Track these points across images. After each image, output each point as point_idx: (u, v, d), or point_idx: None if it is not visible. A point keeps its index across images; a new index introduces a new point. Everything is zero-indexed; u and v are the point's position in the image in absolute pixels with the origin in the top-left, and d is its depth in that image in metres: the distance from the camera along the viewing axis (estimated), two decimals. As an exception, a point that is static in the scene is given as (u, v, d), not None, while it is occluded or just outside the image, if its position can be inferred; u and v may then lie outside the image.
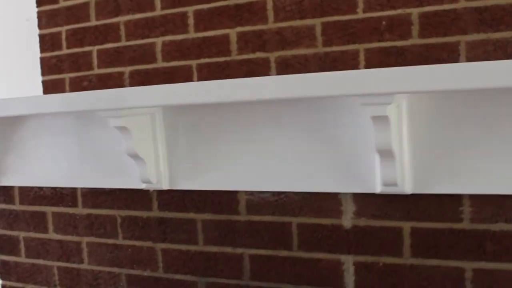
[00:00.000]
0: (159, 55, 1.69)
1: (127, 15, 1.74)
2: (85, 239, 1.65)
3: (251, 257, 1.41)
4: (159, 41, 1.69)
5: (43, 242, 1.69)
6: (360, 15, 1.45)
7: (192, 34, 1.64)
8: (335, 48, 1.48)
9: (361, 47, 1.45)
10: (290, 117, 1.35)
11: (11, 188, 1.73)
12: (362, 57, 1.45)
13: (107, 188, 1.57)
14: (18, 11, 2.21)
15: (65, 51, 1.85)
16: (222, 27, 1.60)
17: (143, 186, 1.47)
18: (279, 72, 1.53)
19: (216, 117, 1.44)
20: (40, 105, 1.44)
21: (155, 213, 1.51)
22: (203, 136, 1.44)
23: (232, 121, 1.41)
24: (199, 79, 1.63)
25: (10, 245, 1.74)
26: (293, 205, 1.33)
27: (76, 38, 1.83)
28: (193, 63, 1.64)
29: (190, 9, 1.64)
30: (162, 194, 1.49)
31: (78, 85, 1.82)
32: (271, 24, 1.54)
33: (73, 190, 1.64)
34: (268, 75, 1.54)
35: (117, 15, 1.75)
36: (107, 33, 1.77)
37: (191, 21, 1.64)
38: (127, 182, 1.50)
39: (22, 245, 1.73)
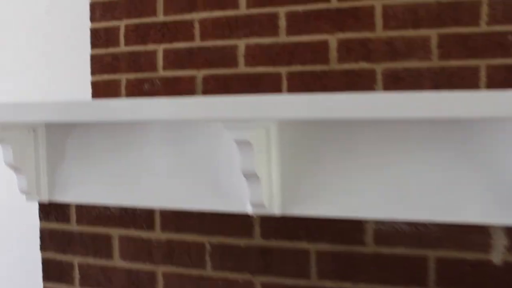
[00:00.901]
0: (241, 59, 1.52)
1: (203, 12, 1.56)
2: (161, 268, 1.44)
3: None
4: (241, 43, 1.52)
5: (105, 269, 1.47)
6: (483, 28, 1.33)
7: (283, 38, 1.48)
8: (452, 63, 1.35)
9: (482, 62, 1.34)
10: (437, 139, 1.22)
11: (66, 205, 1.51)
12: (483, 73, 1.34)
13: (196, 211, 1.38)
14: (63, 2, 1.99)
15: (122, 48, 1.65)
16: (320, 32, 1.45)
17: (249, 210, 1.29)
18: (386, 86, 1.40)
19: (343, 135, 1.29)
20: (134, 110, 1.25)
21: (257, 241, 1.33)
22: (323, 155, 1.28)
23: (364, 141, 1.26)
24: (290, 89, 1.47)
25: (60, 272, 1.52)
26: (431, 236, 1.19)
27: (138, 34, 1.63)
28: (283, 70, 1.48)
29: (281, 10, 1.48)
30: (267, 220, 1.32)
31: (137, 88, 1.62)
32: (380, 33, 1.40)
33: (150, 211, 1.44)
34: (373, 88, 1.40)
35: (190, 12, 1.57)
36: (177, 31, 1.59)
37: (282, 23, 1.48)
38: (230, 204, 1.31)
39: (76, 272, 1.51)
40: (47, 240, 1.53)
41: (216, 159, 1.36)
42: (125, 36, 1.65)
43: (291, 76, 1.47)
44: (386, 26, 1.39)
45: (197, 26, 1.57)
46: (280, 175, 1.30)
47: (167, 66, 1.59)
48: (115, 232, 1.45)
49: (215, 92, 1.53)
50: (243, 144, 1.23)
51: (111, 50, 1.66)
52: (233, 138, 1.23)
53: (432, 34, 1.36)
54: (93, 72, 1.68)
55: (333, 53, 1.44)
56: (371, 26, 1.40)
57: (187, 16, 1.58)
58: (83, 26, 1.73)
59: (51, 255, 1.52)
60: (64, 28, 1.96)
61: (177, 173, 1.38)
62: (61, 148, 1.50)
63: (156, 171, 1.40)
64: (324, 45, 1.45)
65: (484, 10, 1.31)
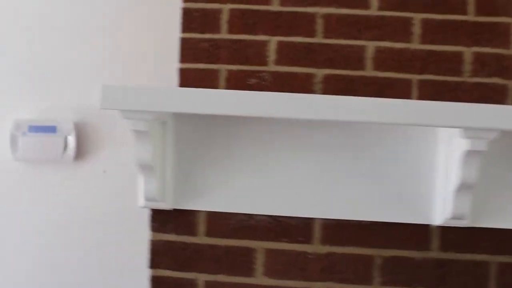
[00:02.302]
0: (369, 62, 1.45)
1: (328, 8, 1.45)
2: (318, 285, 1.31)
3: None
4: (370, 45, 1.45)
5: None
6: None
7: (415, 45, 1.45)
8: None
9: None
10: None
11: (191, 213, 1.30)
12: None
13: (365, 221, 1.28)
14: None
15: (225, 35, 1.47)
16: (455, 43, 1.45)
17: (437, 222, 1.23)
18: (518, 102, 1.44)
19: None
20: (303, 107, 1.11)
21: (434, 253, 1.29)
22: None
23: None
24: (421, 97, 1.44)
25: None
26: None
27: (245, 21, 1.47)
28: (414, 77, 1.45)
29: (416, 16, 1.45)
30: (447, 230, 1.28)
31: (240, 82, 1.46)
32: (515, 50, 1.44)
33: (307, 221, 1.30)
34: (505, 102, 1.44)
35: (314, 5, 1.46)
36: (296, 24, 1.46)
37: (416, 29, 1.45)
38: (412, 215, 1.24)
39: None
40: (161, 254, 1.29)
41: (401, 167, 1.28)
42: (229, 22, 1.47)
43: (423, 84, 1.45)
44: (521, 45, 1.44)
45: (320, 21, 1.46)
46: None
47: (280, 60, 1.46)
48: (260, 245, 1.29)
49: (337, 93, 1.44)
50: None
51: (209, 35, 1.47)
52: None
53: None
54: (183, 59, 1.47)
55: (467, 66, 1.45)
56: (506, 43, 1.44)
57: (309, 9, 1.46)
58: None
59: (167, 272, 1.29)
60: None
61: (347, 179, 1.27)
62: (192, 145, 1.29)
63: (316, 177, 1.27)
64: (458, 56, 1.45)
65: None
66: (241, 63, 1.46)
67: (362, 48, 1.45)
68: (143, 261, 1.31)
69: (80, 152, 1.84)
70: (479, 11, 1.44)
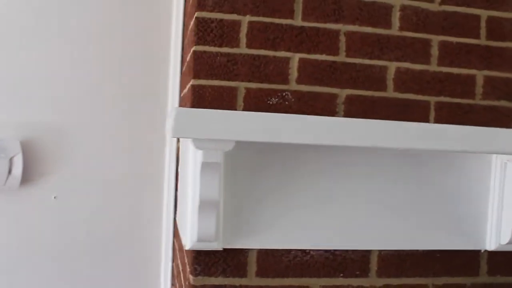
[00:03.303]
0: (390, 83, 1.42)
1: (351, 25, 1.39)
2: None
3: None
4: (392, 65, 1.42)
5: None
6: None
7: (433, 67, 1.44)
8: None
9: None
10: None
11: (241, 252, 1.15)
12: None
13: (420, 251, 1.23)
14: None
15: (244, 49, 1.35)
16: (469, 66, 1.46)
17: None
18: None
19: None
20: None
21: (483, 278, 1.27)
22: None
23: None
24: (437, 119, 1.44)
25: None
26: None
27: (266, 36, 1.36)
28: (432, 99, 1.44)
29: (435, 38, 1.44)
30: (493, 255, 1.27)
31: (260, 100, 1.35)
32: (521, 75, 1.49)
33: (365, 253, 1.21)
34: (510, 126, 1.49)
35: (336, 21, 1.38)
36: (318, 40, 1.38)
37: (434, 51, 1.44)
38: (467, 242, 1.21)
39: None
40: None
41: (455, 194, 1.24)
42: (248, 36, 1.35)
43: (440, 106, 1.44)
44: (526, 70, 1.49)
45: (343, 38, 1.39)
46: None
47: (302, 79, 1.37)
48: (315, 283, 1.17)
49: (359, 115, 1.39)
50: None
51: (227, 49, 1.34)
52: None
53: None
54: (195, 75, 1.32)
55: (479, 89, 1.47)
56: (513, 67, 1.49)
57: (332, 26, 1.38)
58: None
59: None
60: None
61: (400, 209, 1.21)
62: (244, 176, 1.14)
63: (371, 206, 1.20)
64: (471, 79, 1.47)
65: None
66: (261, 81, 1.35)
67: (384, 69, 1.41)
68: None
69: (27, 176, 1.63)
70: (490, 36, 1.47)
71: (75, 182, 1.68)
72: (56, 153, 1.66)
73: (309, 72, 1.37)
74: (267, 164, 1.19)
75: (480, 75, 1.47)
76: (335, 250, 1.20)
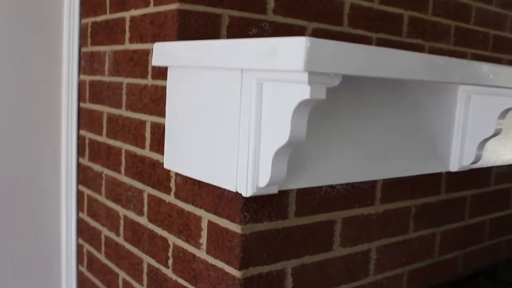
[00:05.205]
0: (345, 18, 1.39)
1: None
2: (376, 244, 1.26)
3: None
4: (348, 1, 1.38)
5: (327, 265, 1.18)
6: None
7: (376, 5, 1.43)
8: None
9: None
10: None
11: (283, 193, 1.06)
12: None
13: (407, 176, 1.28)
14: None
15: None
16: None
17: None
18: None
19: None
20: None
21: (443, 196, 1.38)
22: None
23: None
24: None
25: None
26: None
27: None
28: (374, 36, 1.44)
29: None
30: (453, 175, 1.36)
31: (242, 31, 1.24)
32: None
33: (373, 183, 1.22)
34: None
35: None
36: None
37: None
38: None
39: (288, 281, 1.14)
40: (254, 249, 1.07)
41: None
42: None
43: (379, 43, 1.45)
44: None
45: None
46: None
47: (278, 9, 1.28)
48: (339, 216, 1.18)
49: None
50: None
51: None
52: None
53: None
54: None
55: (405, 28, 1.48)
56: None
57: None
58: None
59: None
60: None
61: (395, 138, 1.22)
62: None
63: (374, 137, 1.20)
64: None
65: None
66: (242, 9, 1.24)
67: (341, 4, 1.38)
68: None
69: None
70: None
71: None
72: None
73: (284, 2, 1.30)
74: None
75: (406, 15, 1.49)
76: (354, 183, 1.20)
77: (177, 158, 1.15)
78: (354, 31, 1.41)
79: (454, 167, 1.35)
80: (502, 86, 1.17)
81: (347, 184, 1.17)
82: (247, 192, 0.98)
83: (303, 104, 0.87)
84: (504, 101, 1.24)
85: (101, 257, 1.52)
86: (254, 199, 1.01)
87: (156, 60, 1.14)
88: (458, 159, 1.33)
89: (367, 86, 1.20)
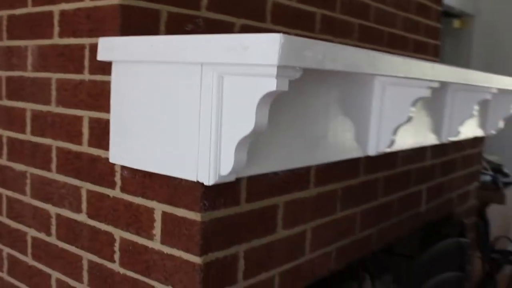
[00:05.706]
0: (268, 15, 1.49)
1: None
2: (311, 225, 1.33)
3: None
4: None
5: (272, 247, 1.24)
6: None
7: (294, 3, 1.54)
8: None
9: None
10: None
11: (236, 181, 1.11)
12: None
13: (336, 161, 1.38)
14: None
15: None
16: None
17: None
18: None
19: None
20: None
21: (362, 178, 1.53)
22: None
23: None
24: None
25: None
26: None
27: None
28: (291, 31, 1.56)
29: None
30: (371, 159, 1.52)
31: (180, 26, 1.28)
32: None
33: (309, 168, 1.31)
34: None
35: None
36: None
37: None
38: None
39: (241, 264, 1.17)
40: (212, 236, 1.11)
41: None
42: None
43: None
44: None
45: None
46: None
47: (211, 6, 1.33)
48: (280, 200, 1.25)
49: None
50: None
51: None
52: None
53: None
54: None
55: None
56: None
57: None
58: None
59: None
60: None
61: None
62: None
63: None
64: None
65: None
66: (177, 5, 1.27)
67: (264, 2, 1.47)
68: None
69: None
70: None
71: None
72: None
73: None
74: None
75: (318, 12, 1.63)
76: (293, 169, 1.28)
77: (126, 152, 1.16)
78: (276, 27, 1.50)
79: (372, 151, 1.48)
80: (413, 77, 1.33)
81: (288, 170, 1.26)
82: (209, 180, 1.02)
83: (267, 96, 0.94)
84: (415, 91, 1.39)
85: (27, 260, 1.46)
86: (212, 187, 1.06)
87: (103, 55, 1.14)
88: (375, 144, 1.47)
89: (306, 79, 1.29)
